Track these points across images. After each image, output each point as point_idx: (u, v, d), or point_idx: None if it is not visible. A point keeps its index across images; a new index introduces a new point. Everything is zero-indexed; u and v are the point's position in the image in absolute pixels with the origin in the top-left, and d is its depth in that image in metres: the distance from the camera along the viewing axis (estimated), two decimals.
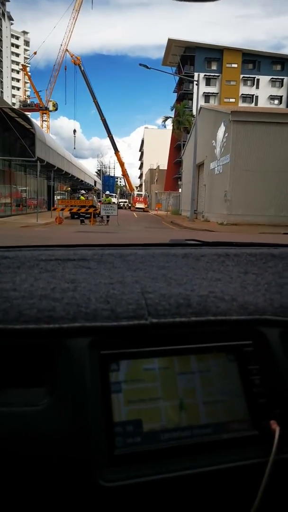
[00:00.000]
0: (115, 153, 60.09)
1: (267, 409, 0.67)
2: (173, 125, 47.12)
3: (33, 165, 22.60)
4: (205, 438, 0.64)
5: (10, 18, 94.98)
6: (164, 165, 58.70)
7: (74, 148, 68.42)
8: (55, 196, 29.06)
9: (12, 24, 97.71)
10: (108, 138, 57.91)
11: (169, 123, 48.87)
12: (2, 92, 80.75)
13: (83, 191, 20.63)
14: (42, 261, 0.86)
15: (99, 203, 19.50)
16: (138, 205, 44.22)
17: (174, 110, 48.29)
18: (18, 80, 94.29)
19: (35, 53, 70.22)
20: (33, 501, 0.58)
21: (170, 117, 48.29)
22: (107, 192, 18.68)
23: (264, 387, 0.69)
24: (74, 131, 65.03)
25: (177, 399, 0.65)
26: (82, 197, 18.76)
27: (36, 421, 0.59)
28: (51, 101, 61.89)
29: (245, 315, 0.75)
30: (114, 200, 27.13)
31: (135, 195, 49.92)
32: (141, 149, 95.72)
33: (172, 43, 54.29)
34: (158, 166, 61.86)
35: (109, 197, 18.28)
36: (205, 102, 49.75)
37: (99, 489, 0.57)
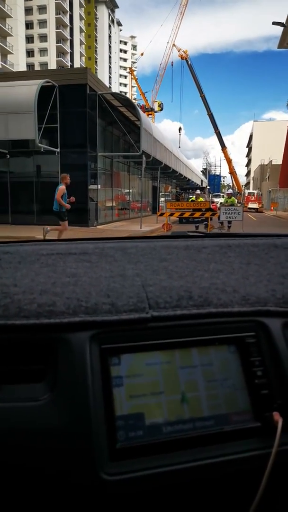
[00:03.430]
0: (222, 150, 56.11)
1: (270, 401, 0.66)
2: None
3: (137, 165, 20.17)
4: (207, 430, 0.64)
5: (119, 24, 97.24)
6: (277, 160, 52.52)
7: (179, 147, 66.01)
8: (159, 198, 26.35)
9: (120, 30, 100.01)
10: (215, 134, 54.21)
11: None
12: None
13: (198, 191, 17.20)
14: (43, 255, 0.85)
15: (212, 205, 16.05)
16: (250, 205, 39.11)
17: None
18: (125, 85, 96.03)
19: (142, 54, 69.90)
20: (35, 495, 0.58)
21: None
22: (229, 191, 14.93)
23: (266, 378, 0.68)
24: (180, 129, 62.51)
25: (179, 393, 0.65)
26: (200, 198, 15.40)
27: (38, 416, 0.60)
28: (156, 101, 60.42)
29: (247, 307, 0.75)
30: (220, 200, 23.09)
31: (246, 193, 45.00)
32: (248, 145, 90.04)
33: None
34: (271, 161, 55.92)
35: (232, 198, 14.50)
36: None
37: (101, 482, 0.57)
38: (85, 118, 13.73)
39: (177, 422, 0.63)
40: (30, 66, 64.64)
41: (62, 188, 9.00)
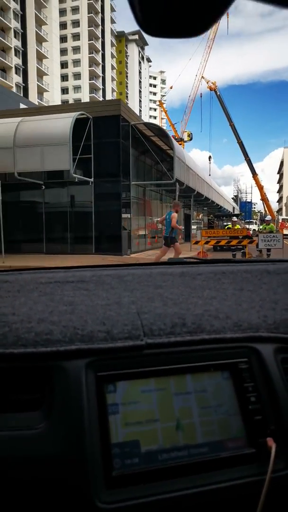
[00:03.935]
0: (253, 177, 55.60)
1: (263, 426, 0.67)
2: None
3: (168, 193, 20.10)
4: (202, 457, 0.64)
5: (149, 60, 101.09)
6: None
7: (209, 175, 66.28)
8: (191, 226, 26.06)
9: (150, 66, 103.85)
10: (245, 161, 53.97)
11: None
12: None
13: (235, 218, 16.80)
14: (42, 284, 0.85)
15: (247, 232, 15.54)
16: (286, 232, 38.27)
17: None
18: (155, 117, 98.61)
19: (171, 87, 71.79)
20: None
21: None
22: (268, 218, 14.36)
23: (259, 404, 0.69)
24: (210, 157, 62.84)
25: (173, 420, 0.66)
26: (237, 226, 14.95)
27: (33, 444, 0.60)
28: (185, 131, 61.36)
29: (239, 333, 0.75)
30: (252, 226, 22.38)
31: (280, 220, 43.95)
32: (279, 171, 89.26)
33: None
34: None
35: (271, 224, 13.95)
36: None
37: (97, 511, 0.57)
38: (118, 148, 13.82)
39: (172, 449, 0.64)
40: (64, 102, 67.81)
41: (174, 215, 9.42)
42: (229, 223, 16.25)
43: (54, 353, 0.66)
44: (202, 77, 59.36)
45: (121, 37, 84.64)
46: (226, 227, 15.49)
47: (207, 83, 57.24)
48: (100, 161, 13.91)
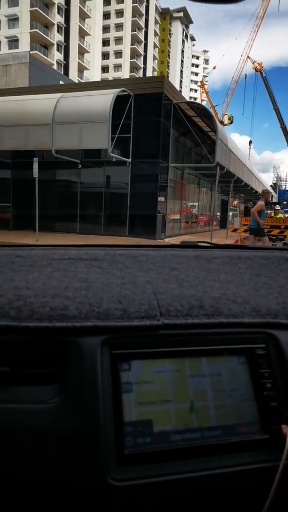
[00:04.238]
0: None
1: (278, 413, 0.66)
2: None
3: (206, 177, 19.38)
4: (215, 440, 0.64)
5: (192, 39, 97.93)
6: None
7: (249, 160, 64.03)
8: (228, 212, 25.21)
9: (193, 45, 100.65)
10: (287, 148, 51.63)
11: None
12: None
13: (278, 207, 15.99)
14: (55, 260, 0.85)
15: None
16: None
17: None
18: (195, 99, 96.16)
19: (214, 67, 69.35)
20: (40, 496, 0.58)
21: None
22: None
23: (275, 390, 0.68)
24: (250, 142, 60.55)
25: (187, 402, 0.65)
26: (279, 215, 14.21)
27: (46, 419, 0.60)
28: (226, 114, 59.33)
29: (258, 318, 0.75)
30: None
31: None
32: None
33: None
34: None
35: None
36: None
37: (108, 488, 0.57)
38: (158, 128, 13.29)
39: (185, 430, 0.63)
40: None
41: (260, 203, 8.35)
42: (269, 211, 15.40)
43: (70, 328, 0.65)
44: (248, 57, 56.91)
45: (165, 14, 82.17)
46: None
47: (253, 63, 54.85)
48: (138, 141, 13.45)
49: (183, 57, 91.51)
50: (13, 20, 45.66)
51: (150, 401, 0.64)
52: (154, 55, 77.66)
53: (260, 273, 0.91)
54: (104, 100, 11.91)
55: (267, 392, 0.68)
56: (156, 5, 74.42)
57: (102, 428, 0.60)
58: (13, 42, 45.42)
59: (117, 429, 0.61)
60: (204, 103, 78.85)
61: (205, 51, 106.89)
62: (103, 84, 14.32)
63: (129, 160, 13.38)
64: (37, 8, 44.90)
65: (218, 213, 24.25)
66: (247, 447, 0.64)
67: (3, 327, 0.64)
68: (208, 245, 1.17)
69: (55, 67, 44.92)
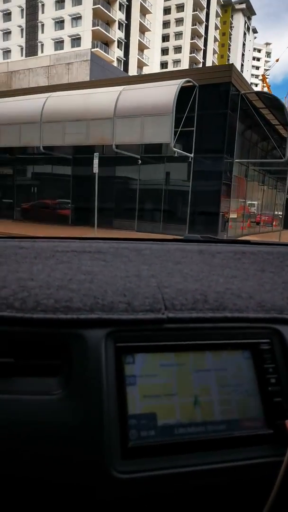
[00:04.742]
0: None
1: (282, 409, 0.66)
2: None
3: (269, 174, 18.11)
4: (219, 434, 0.64)
5: (254, 31, 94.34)
6: None
7: None
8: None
9: (255, 38, 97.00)
10: None
11: None
12: None
13: None
14: (58, 252, 0.85)
15: None
16: None
17: None
18: None
19: (277, 60, 66.31)
20: (44, 487, 0.58)
21: None
22: None
23: (279, 386, 0.68)
24: None
25: (191, 396, 0.65)
26: None
27: (50, 410, 0.60)
28: None
29: (263, 313, 0.74)
30: None
31: None
32: None
33: None
34: None
35: None
36: None
37: (112, 480, 0.58)
38: (224, 120, 12.45)
39: (189, 424, 0.63)
40: None
41: None
42: None
43: (74, 320, 0.65)
44: None
45: (227, 7, 79.77)
46: None
47: None
48: (202, 135, 12.68)
49: (244, 51, 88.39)
50: (76, 19, 46.49)
51: (154, 394, 0.63)
52: (214, 49, 75.77)
53: (264, 268, 0.90)
54: (167, 91, 11.32)
55: (272, 388, 0.68)
56: None
57: (106, 420, 0.59)
58: (76, 40, 46.26)
59: (121, 422, 0.60)
60: None
61: (267, 44, 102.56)
62: (167, 75, 13.70)
63: (192, 155, 12.68)
64: (99, 6, 45.33)
65: (280, 212, 22.69)
66: (251, 442, 0.64)
67: (8, 318, 0.64)
68: (211, 239, 1.16)
69: (115, 64, 45.16)
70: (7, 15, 51.59)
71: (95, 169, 11.15)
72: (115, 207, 14.51)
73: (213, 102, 12.44)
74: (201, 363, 0.68)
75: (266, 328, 0.73)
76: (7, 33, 52.03)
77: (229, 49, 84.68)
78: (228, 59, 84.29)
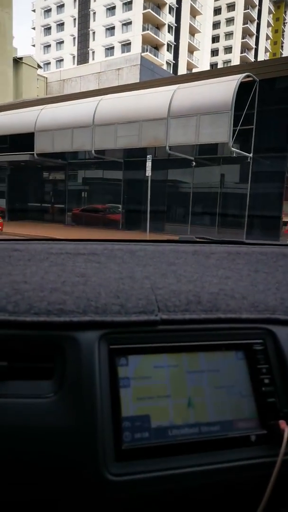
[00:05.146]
0: None
1: (276, 409, 0.67)
2: None
3: None
4: (213, 435, 0.64)
5: None
6: None
7: None
8: None
9: None
10: None
11: None
12: None
13: None
14: (53, 254, 0.85)
15: None
16: None
17: None
18: None
19: None
20: (38, 491, 0.58)
21: None
22: None
23: (273, 386, 0.69)
24: None
25: (185, 397, 0.65)
26: None
27: (44, 413, 0.60)
28: None
29: (256, 314, 0.75)
30: None
31: None
32: None
33: None
34: None
35: None
36: None
37: (106, 482, 0.57)
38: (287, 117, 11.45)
39: (183, 426, 0.63)
40: None
41: None
42: None
43: (68, 323, 0.65)
44: None
45: (280, 3, 76.93)
46: None
47: None
48: (263, 133, 11.75)
49: None
50: (126, 25, 46.83)
51: (148, 396, 0.63)
52: (266, 47, 73.33)
53: (258, 269, 0.90)
54: (225, 87, 10.59)
55: (265, 388, 0.68)
56: None
57: (100, 423, 0.59)
58: (125, 46, 46.58)
59: (115, 424, 0.60)
60: None
61: None
62: (224, 71, 12.90)
63: (251, 155, 11.80)
64: (149, 10, 45.34)
65: None
66: (245, 443, 0.64)
67: (1, 321, 0.64)
68: (206, 240, 1.15)
69: (164, 67, 44.85)
70: (60, 26, 53.18)
71: (148, 172, 10.66)
72: (167, 211, 13.94)
73: (275, 97, 11.49)
74: (195, 364, 0.67)
75: (259, 329, 0.73)
76: (59, 43, 53.61)
77: (282, 46, 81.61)
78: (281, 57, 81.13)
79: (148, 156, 10.76)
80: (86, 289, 0.71)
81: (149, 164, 10.62)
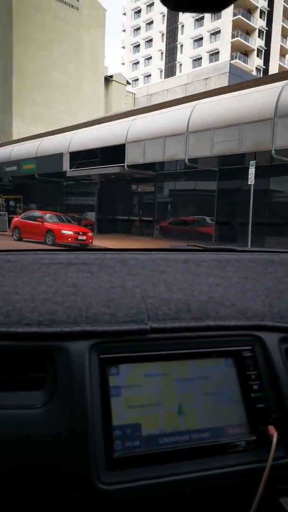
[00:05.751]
0: None
1: (265, 415, 0.67)
2: None
3: None
4: (203, 442, 0.64)
5: None
6: None
7: None
8: None
9: None
10: None
11: None
12: None
13: None
14: (44, 264, 0.85)
15: None
16: None
17: None
18: None
19: None
20: (29, 502, 0.58)
21: None
22: None
23: (262, 392, 0.69)
24: None
25: (175, 405, 0.66)
26: None
27: (35, 423, 0.60)
28: None
29: (244, 321, 0.75)
30: None
31: None
32: None
33: None
34: None
35: None
36: None
37: (98, 491, 0.58)
38: None
39: (173, 433, 0.64)
40: None
41: None
42: None
43: (58, 333, 0.65)
44: None
45: None
46: None
47: None
48: None
49: None
50: (214, 34, 45.93)
51: (139, 405, 0.64)
52: None
53: (247, 276, 0.90)
54: None
55: (254, 394, 0.68)
56: None
57: (91, 432, 0.59)
58: (213, 55, 45.64)
59: (106, 433, 0.60)
60: None
61: None
62: None
63: None
64: (239, 16, 43.94)
65: None
66: (235, 449, 0.64)
67: None
68: (197, 248, 1.15)
69: (254, 73, 42.93)
70: (149, 42, 54.22)
71: (251, 180, 9.45)
72: (268, 223, 12.44)
73: None
74: (185, 372, 0.68)
75: (248, 336, 0.73)
76: (148, 59, 54.65)
77: None
78: None
79: (251, 162, 9.54)
80: (77, 299, 0.72)
81: (252, 171, 9.41)
